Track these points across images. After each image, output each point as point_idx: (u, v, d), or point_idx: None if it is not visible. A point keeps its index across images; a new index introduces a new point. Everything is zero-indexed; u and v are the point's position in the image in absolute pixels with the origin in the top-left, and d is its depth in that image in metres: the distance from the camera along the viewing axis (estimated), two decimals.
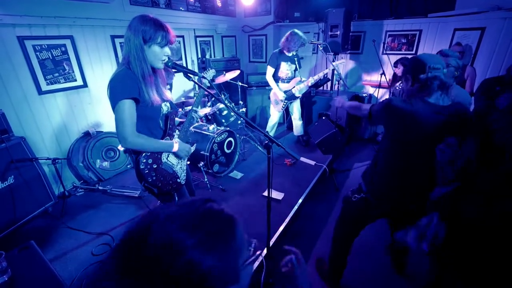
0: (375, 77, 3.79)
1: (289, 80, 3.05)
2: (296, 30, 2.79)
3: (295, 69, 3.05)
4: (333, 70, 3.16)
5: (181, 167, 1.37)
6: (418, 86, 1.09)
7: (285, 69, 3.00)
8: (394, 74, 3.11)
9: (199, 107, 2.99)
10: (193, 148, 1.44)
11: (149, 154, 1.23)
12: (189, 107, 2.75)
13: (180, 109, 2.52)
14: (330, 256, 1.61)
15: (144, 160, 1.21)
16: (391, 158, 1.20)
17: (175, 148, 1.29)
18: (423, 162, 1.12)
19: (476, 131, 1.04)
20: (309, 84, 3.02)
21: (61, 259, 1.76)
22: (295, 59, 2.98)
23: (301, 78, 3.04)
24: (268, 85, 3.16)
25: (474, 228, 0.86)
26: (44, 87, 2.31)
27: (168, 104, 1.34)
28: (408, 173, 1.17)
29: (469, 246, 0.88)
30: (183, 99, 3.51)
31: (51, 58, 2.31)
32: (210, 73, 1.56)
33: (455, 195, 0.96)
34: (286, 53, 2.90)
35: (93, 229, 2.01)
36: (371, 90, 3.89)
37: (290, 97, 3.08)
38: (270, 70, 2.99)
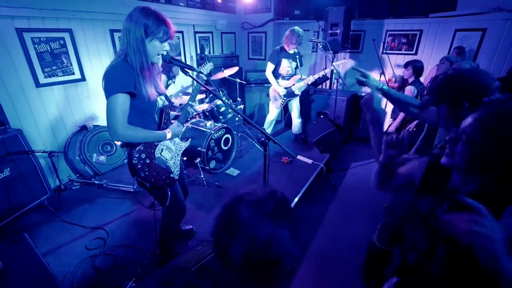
0: (374, 77, 3.77)
1: (289, 77, 3.05)
2: (296, 28, 2.80)
3: (296, 67, 3.04)
4: (332, 69, 3.15)
5: (174, 162, 1.37)
6: None
7: (286, 65, 3.00)
8: (402, 79, 2.80)
9: (196, 102, 2.98)
10: (188, 143, 1.43)
11: (142, 148, 1.22)
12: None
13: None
14: None
15: (137, 155, 1.20)
16: None
17: (168, 136, 1.28)
18: None
19: None
20: (309, 83, 3.01)
21: (55, 253, 1.76)
22: (297, 56, 2.97)
23: (301, 76, 3.04)
24: (267, 83, 3.15)
25: None
26: (42, 79, 2.29)
27: (163, 98, 1.33)
28: None
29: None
30: (180, 95, 3.50)
31: (49, 51, 2.30)
32: (208, 66, 1.55)
33: None
34: (288, 50, 2.90)
35: (88, 223, 2.01)
36: (369, 89, 3.88)
37: (289, 94, 3.08)
38: (270, 66, 2.99)
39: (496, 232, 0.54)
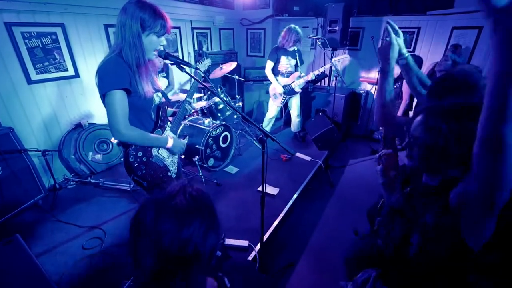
0: (372, 74, 3.77)
1: (288, 74, 3.03)
2: (292, 26, 2.77)
3: (296, 64, 3.02)
4: (331, 65, 3.14)
5: (172, 161, 1.34)
6: None
7: (285, 63, 2.97)
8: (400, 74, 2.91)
9: (193, 99, 2.94)
10: (185, 141, 1.41)
11: (139, 146, 1.19)
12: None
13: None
14: None
15: (134, 153, 1.17)
16: None
17: (169, 144, 1.25)
18: None
19: None
20: (309, 80, 3.00)
21: (51, 253, 1.72)
22: (296, 54, 2.95)
23: (301, 73, 3.02)
24: (266, 80, 3.12)
25: None
26: (34, 76, 2.23)
27: (160, 94, 1.30)
28: None
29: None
30: (177, 92, 3.46)
31: (41, 46, 2.23)
32: (205, 63, 1.52)
33: None
34: (287, 48, 2.87)
35: (84, 222, 1.97)
36: (368, 87, 3.88)
37: (289, 91, 3.06)
38: (269, 64, 2.97)
39: None
